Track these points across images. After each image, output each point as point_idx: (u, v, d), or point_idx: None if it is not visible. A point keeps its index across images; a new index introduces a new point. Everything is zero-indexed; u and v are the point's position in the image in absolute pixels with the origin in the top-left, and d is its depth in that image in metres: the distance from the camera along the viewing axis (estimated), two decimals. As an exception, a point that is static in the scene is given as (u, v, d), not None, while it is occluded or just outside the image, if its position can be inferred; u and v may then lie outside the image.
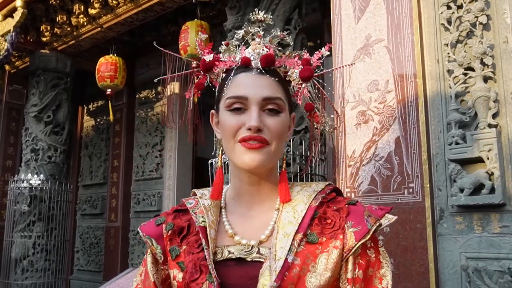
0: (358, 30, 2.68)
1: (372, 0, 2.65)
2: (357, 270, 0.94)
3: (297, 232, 0.95)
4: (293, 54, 1.13)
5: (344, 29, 2.74)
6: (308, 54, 1.12)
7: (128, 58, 6.55)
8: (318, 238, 0.95)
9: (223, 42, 1.12)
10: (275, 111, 0.99)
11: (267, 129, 0.98)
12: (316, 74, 1.11)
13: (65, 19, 5.95)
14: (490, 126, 2.14)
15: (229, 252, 0.97)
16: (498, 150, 2.10)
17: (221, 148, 1.09)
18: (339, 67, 2.65)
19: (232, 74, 1.04)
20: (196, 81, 1.14)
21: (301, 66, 1.09)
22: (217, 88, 1.11)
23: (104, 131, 7.61)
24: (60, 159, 6.41)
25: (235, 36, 1.12)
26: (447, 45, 2.32)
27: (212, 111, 1.10)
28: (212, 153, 1.21)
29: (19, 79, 7.40)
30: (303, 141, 3.70)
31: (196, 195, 1.11)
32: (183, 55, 4.91)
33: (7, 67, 7.09)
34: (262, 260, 0.95)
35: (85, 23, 5.87)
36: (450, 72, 2.30)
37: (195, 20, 5.16)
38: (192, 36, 4.97)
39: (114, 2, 5.42)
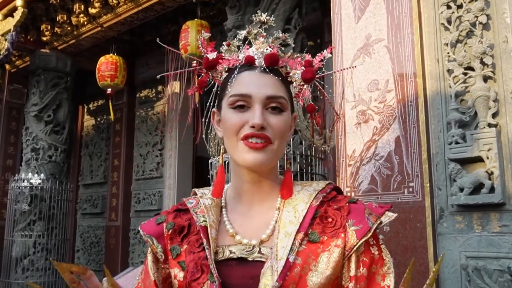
0: (358, 30, 2.69)
1: (372, 0, 2.65)
2: (361, 268, 0.94)
3: (298, 231, 0.95)
4: (295, 56, 1.13)
5: (344, 28, 2.75)
6: (310, 55, 1.13)
7: (128, 58, 6.56)
8: (319, 237, 0.95)
9: (224, 43, 1.13)
10: (278, 109, 1.00)
11: (270, 127, 0.98)
12: (318, 75, 1.12)
13: (65, 18, 5.95)
14: (490, 125, 2.15)
15: (230, 252, 0.98)
16: (498, 150, 2.10)
17: (222, 146, 1.09)
18: (341, 70, 2.65)
19: (235, 72, 1.04)
20: (198, 79, 1.15)
21: (303, 68, 1.10)
22: (218, 86, 1.11)
23: (105, 130, 7.61)
24: (61, 159, 6.41)
25: (237, 36, 1.13)
26: (447, 44, 2.33)
27: (213, 109, 1.11)
28: (209, 153, 1.22)
29: (20, 79, 7.41)
30: (303, 141, 3.71)
31: (196, 194, 1.12)
32: (184, 54, 4.91)
33: (7, 66, 7.09)
34: (263, 259, 0.95)
35: (85, 23, 5.88)
36: (450, 71, 2.31)
37: (196, 19, 5.16)
38: (192, 35, 4.97)
39: (115, 1, 5.43)
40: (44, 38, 6.34)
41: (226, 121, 1.01)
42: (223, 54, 1.12)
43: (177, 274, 0.99)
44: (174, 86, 6.48)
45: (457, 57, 2.29)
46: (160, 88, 7.00)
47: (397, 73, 2.48)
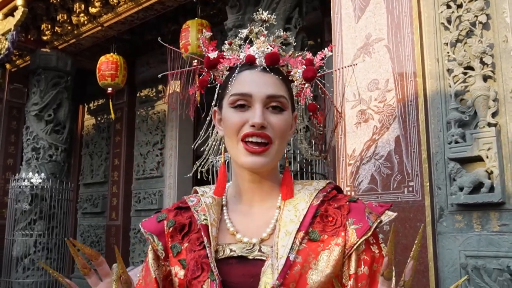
0: (358, 29, 2.69)
1: (372, -1, 2.66)
2: (362, 266, 0.95)
3: (298, 230, 0.96)
4: (296, 54, 1.14)
5: (344, 28, 2.75)
6: (311, 54, 1.13)
7: (128, 57, 6.56)
8: (320, 235, 0.96)
9: (226, 41, 1.13)
10: (279, 108, 1.00)
11: (271, 126, 0.98)
12: (319, 74, 1.12)
13: (65, 17, 5.95)
14: (489, 125, 2.15)
15: (231, 250, 0.98)
16: (498, 149, 2.11)
17: (223, 145, 1.10)
18: (342, 68, 2.66)
19: (236, 72, 1.04)
20: (199, 78, 1.15)
21: (304, 66, 1.10)
22: (220, 85, 1.11)
23: (105, 129, 7.62)
24: (61, 158, 6.42)
25: (239, 35, 1.13)
26: (447, 44, 2.33)
27: (215, 108, 1.11)
28: (202, 149, 1.22)
29: (20, 78, 7.42)
30: (305, 139, 3.71)
31: (197, 193, 1.12)
32: (184, 54, 4.91)
33: (8, 65, 7.09)
34: (263, 258, 0.95)
35: (85, 22, 5.88)
36: (450, 71, 2.31)
37: (196, 19, 5.17)
38: (193, 35, 4.98)
39: (115, 1, 5.43)
40: (45, 38, 6.35)
41: (226, 120, 1.02)
42: (224, 53, 1.12)
43: (178, 272, 1.00)
44: (175, 85, 6.49)
45: (457, 56, 2.29)
46: (160, 87, 7.00)
47: (397, 72, 2.49)
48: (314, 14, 4.92)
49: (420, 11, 2.46)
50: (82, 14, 5.78)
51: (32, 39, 6.40)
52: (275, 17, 1.17)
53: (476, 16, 2.25)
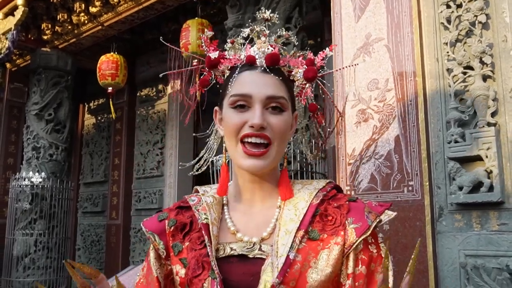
0: (358, 29, 2.69)
1: (372, -1, 2.66)
2: (360, 265, 0.95)
3: (298, 229, 0.96)
4: (298, 54, 1.14)
5: (344, 28, 2.75)
6: (312, 54, 1.13)
7: (129, 56, 6.56)
8: (319, 234, 0.96)
9: (228, 40, 1.14)
10: (279, 109, 1.01)
11: (270, 127, 0.99)
12: (320, 74, 1.13)
13: (66, 17, 5.96)
14: (489, 124, 2.15)
15: (231, 249, 0.99)
16: (497, 149, 2.11)
17: (224, 144, 1.10)
18: (342, 68, 2.66)
19: (236, 72, 1.05)
20: (200, 78, 1.15)
21: (305, 66, 1.10)
22: (220, 85, 1.12)
23: (105, 129, 7.62)
24: (61, 157, 6.43)
25: (241, 34, 1.14)
26: (446, 44, 2.34)
27: (216, 108, 1.11)
28: (202, 152, 1.23)
29: (20, 77, 7.42)
30: (303, 139, 3.72)
31: (198, 192, 1.13)
32: (184, 53, 4.92)
33: (8, 65, 7.09)
34: (264, 257, 0.96)
35: (86, 21, 5.88)
36: (449, 70, 2.31)
37: (196, 18, 5.17)
38: (193, 34, 4.98)
39: (115, 0, 5.43)
40: (45, 37, 6.35)
41: (226, 121, 1.02)
42: (227, 52, 1.13)
43: (179, 270, 1.00)
44: (176, 85, 6.49)
45: (456, 56, 2.30)
46: (160, 87, 7.01)
47: (396, 72, 2.49)
48: (314, 14, 4.93)
49: (420, 11, 2.47)
50: (82, 14, 5.78)
51: (32, 38, 6.41)
52: (277, 16, 1.17)
53: (476, 16, 2.26)
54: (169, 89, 6.83)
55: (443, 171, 2.27)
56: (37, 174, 6.14)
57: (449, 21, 2.34)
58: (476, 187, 2.15)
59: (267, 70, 1.03)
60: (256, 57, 1.05)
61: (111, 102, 6.46)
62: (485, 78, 2.21)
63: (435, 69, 2.36)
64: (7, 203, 6.58)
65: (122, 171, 7.06)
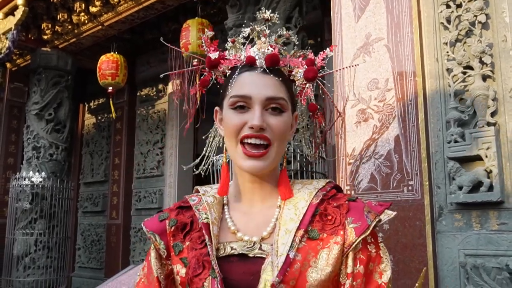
0: (358, 29, 2.70)
1: (372, -1, 2.66)
2: (358, 265, 0.95)
3: (298, 228, 0.97)
4: (298, 54, 1.14)
5: (344, 28, 2.76)
6: (312, 54, 1.14)
7: (129, 56, 6.57)
8: (319, 234, 0.97)
9: (229, 39, 1.14)
10: (278, 110, 1.01)
11: (270, 128, 0.99)
12: (320, 74, 1.13)
13: (66, 17, 5.96)
14: (488, 124, 2.16)
15: (232, 248, 0.99)
16: (497, 148, 2.11)
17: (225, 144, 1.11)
18: (343, 68, 2.67)
19: (236, 73, 1.05)
20: (200, 78, 1.15)
21: (305, 66, 1.11)
22: (221, 85, 1.12)
23: (105, 128, 7.63)
24: (62, 157, 6.44)
25: (241, 34, 1.14)
26: (446, 44, 2.34)
27: (216, 108, 1.12)
28: (203, 151, 1.23)
29: (20, 77, 7.43)
30: (304, 139, 3.72)
31: (199, 192, 1.13)
32: (185, 53, 4.92)
33: (8, 65, 7.10)
34: (264, 256, 0.96)
35: (86, 21, 5.89)
36: (449, 70, 2.32)
37: (196, 18, 5.18)
38: (193, 34, 4.99)
39: (115, 0, 5.44)
40: (45, 37, 6.36)
41: (226, 122, 1.03)
42: (227, 51, 1.13)
43: (179, 270, 1.01)
44: (177, 85, 6.49)
45: (456, 56, 2.30)
46: (161, 86, 7.01)
47: (396, 72, 2.50)
48: (314, 14, 4.93)
49: (420, 11, 2.47)
50: (82, 13, 5.79)
51: (32, 38, 6.41)
52: (277, 16, 1.17)
53: (476, 16, 2.26)
54: (169, 89, 6.83)
55: (443, 171, 2.28)
56: (37, 173, 6.15)
57: (449, 21, 2.35)
58: (476, 186, 2.16)
59: (267, 71, 1.03)
60: (256, 57, 1.05)
61: (111, 102, 6.46)
62: (484, 78, 2.21)
63: (435, 69, 2.36)
64: (7, 203, 6.59)
65: (122, 170, 7.07)
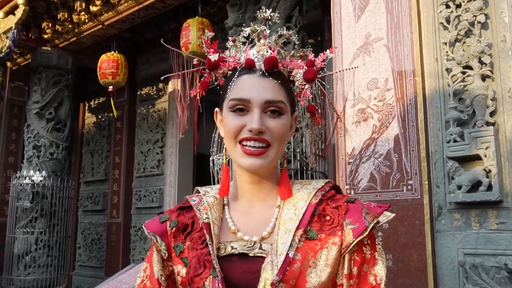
0: (358, 29, 2.70)
1: (372, -1, 2.67)
2: (352, 266, 0.96)
3: (297, 228, 0.97)
4: (298, 54, 1.15)
5: (344, 27, 2.76)
6: (313, 54, 1.14)
7: (129, 55, 6.57)
8: (317, 234, 0.97)
9: (230, 38, 1.14)
10: (277, 112, 1.02)
11: (269, 131, 1.00)
12: (320, 75, 1.13)
13: (66, 16, 5.96)
14: (488, 124, 2.17)
15: (232, 248, 1.00)
16: (496, 148, 2.12)
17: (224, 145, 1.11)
18: (342, 70, 2.67)
19: (235, 76, 1.06)
20: (201, 79, 1.16)
21: (305, 67, 1.11)
22: (221, 87, 1.13)
23: (106, 127, 7.63)
24: (62, 156, 6.44)
25: (242, 34, 1.14)
26: (445, 43, 2.35)
27: (216, 109, 1.12)
28: (211, 150, 1.24)
29: (21, 76, 7.43)
30: (303, 139, 3.73)
31: (199, 192, 1.14)
32: (185, 52, 4.93)
33: (8, 64, 7.10)
34: (264, 255, 0.97)
35: (86, 20, 5.89)
36: (448, 70, 2.33)
37: (196, 17, 5.18)
38: (193, 33, 4.99)
39: (116, -1, 5.45)
40: (46, 36, 6.36)
41: (226, 124, 1.04)
42: (228, 51, 1.14)
43: (180, 270, 1.01)
44: (176, 84, 6.50)
45: (455, 56, 2.31)
46: (161, 85, 7.02)
47: (396, 71, 2.50)
48: (314, 13, 4.93)
49: (419, 11, 2.48)
50: (83, 13, 5.79)
51: (33, 37, 6.42)
52: (277, 15, 1.17)
53: (475, 16, 2.27)
54: (169, 88, 6.84)
55: (442, 170, 2.28)
56: (37, 172, 6.15)
57: (448, 21, 2.35)
58: (475, 186, 2.16)
59: (266, 74, 1.03)
60: (255, 60, 1.05)
61: (112, 101, 6.47)
62: (484, 77, 2.22)
63: (435, 68, 2.37)
64: (8, 202, 6.60)
65: (122, 169, 7.07)
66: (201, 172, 6.51)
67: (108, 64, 6.05)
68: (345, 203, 1.02)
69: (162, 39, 1.49)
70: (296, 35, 1.23)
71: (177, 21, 6.14)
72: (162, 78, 1.35)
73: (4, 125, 7.44)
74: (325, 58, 1.14)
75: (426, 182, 2.32)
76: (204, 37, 1.15)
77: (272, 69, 1.05)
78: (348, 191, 2.56)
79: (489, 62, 2.20)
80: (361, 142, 2.58)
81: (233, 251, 1.00)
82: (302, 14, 4.16)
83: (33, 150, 6.30)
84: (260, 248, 0.99)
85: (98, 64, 6.14)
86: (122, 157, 7.12)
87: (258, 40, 1.10)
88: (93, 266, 7.32)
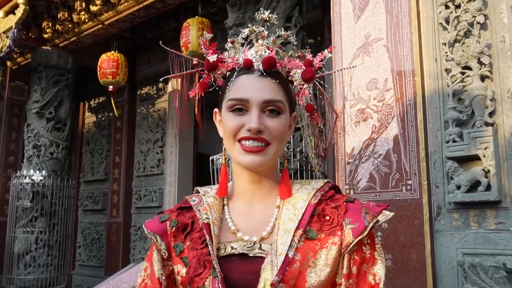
0: (357, 29, 2.71)
1: (372, -1, 2.68)
2: (351, 265, 0.97)
3: (297, 228, 0.98)
4: (296, 55, 1.15)
5: (344, 28, 2.77)
6: (311, 55, 1.15)
7: (129, 55, 6.58)
8: (317, 234, 0.98)
9: (228, 39, 1.15)
10: (276, 112, 1.02)
11: (268, 130, 1.00)
12: (318, 75, 1.14)
13: (66, 15, 5.97)
14: (486, 124, 2.17)
15: (232, 248, 1.00)
16: (494, 148, 2.13)
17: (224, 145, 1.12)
18: (341, 69, 2.68)
19: (234, 76, 1.06)
20: (200, 80, 1.17)
21: (303, 67, 1.12)
22: (220, 87, 1.13)
23: (106, 127, 7.64)
24: (62, 155, 6.45)
25: (240, 35, 1.15)
26: (445, 44, 2.35)
27: (215, 109, 1.13)
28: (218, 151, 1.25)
29: (21, 76, 7.43)
30: (303, 138, 3.74)
31: (199, 192, 1.15)
32: (184, 52, 4.94)
33: (9, 63, 7.11)
34: (264, 255, 0.98)
35: (86, 20, 5.90)
36: (448, 71, 2.33)
37: (196, 17, 5.19)
38: (193, 33, 5.00)
39: (116, -1, 5.45)
40: (46, 35, 6.37)
41: (224, 124, 1.04)
42: (227, 52, 1.14)
43: (180, 270, 1.02)
44: (175, 84, 6.51)
45: (455, 56, 2.31)
46: (161, 85, 7.02)
47: (395, 72, 2.51)
48: (314, 13, 4.94)
49: (419, 11, 2.48)
50: (83, 12, 5.80)
51: (33, 37, 6.42)
52: (276, 16, 1.18)
53: (474, 17, 2.27)
54: (169, 88, 6.84)
55: (441, 170, 2.29)
56: (37, 172, 6.16)
57: (447, 22, 2.36)
58: (474, 186, 2.17)
59: (264, 73, 1.04)
60: (254, 60, 1.06)
61: (112, 101, 6.47)
62: (483, 78, 2.23)
63: (434, 69, 2.38)
64: (8, 201, 6.60)
65: (122, 169, 7.08)
66: (201, 172, 6.52)
67: (108, 63, 6.05)
68: (345, 203, 1.02)
69: (161, 40, 1.50)
70: (295, 36, 1.23)
71: (177, 20, 6.14)
72: (161, 80, 1.35)
73: (4, 124, 7.45)
74: (323, 58, 1.14)
75: (425, 182, 2.32)
76: (202, 39, 1.16)
77: (270, 69, 1.05)
78: (347, 191, 2.57)
79: (488, 63, 2.21)
80: (360, 142, 2.59)
81: (233, 251, 1.00)
82: (302, 14, 4.17)
83: (33, 150, 6.31)
84: (260, 248, 0.99)
85: (98, 63, 6.14)
86: (122, 156, 7.12)
87: (257, 41, 1.11)
88: (93, 265, 7.33)
